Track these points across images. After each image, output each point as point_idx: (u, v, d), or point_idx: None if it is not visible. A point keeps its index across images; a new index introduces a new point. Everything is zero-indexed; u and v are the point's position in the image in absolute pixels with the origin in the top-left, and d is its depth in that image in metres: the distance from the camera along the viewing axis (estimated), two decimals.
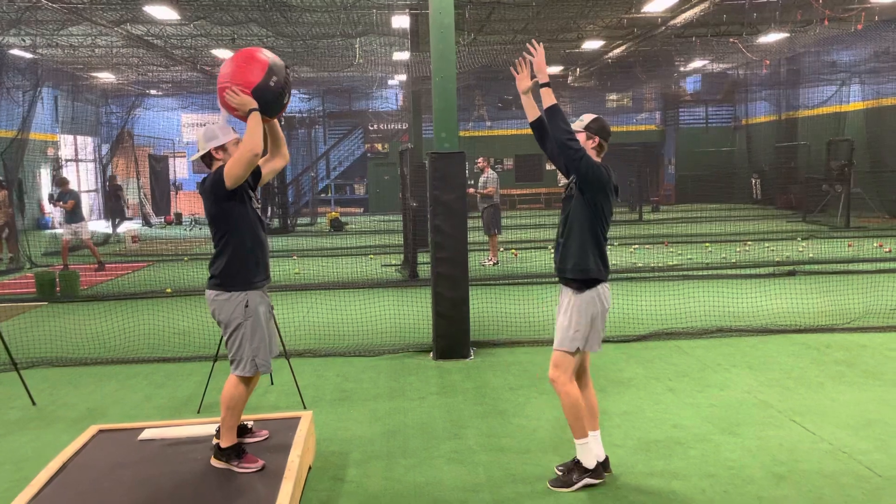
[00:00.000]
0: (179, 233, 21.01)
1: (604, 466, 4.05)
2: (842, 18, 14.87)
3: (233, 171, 3.71)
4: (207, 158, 3.93)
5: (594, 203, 3.83)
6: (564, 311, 3.91)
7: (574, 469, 3.94)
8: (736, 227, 17.26)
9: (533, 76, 3.97)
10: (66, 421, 5.27)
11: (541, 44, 3.92)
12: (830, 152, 18.68)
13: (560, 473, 4.04)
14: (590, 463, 3.92)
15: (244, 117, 3.78)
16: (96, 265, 12.72)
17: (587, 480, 3.90)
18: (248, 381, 3.94)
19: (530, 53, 3.93)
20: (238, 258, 3.86)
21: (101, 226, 21.42)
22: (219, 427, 3.96)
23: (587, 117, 3.98)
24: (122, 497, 3.60)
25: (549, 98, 3.82)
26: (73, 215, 12.53)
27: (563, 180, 4.10)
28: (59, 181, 13.27)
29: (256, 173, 4.00)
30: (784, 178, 22.30)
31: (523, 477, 4.09)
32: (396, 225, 16.81)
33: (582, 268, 3.83)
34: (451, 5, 6.57)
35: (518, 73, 4.02)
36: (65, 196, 12.53)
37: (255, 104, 3.75)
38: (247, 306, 3.86)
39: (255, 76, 3.79)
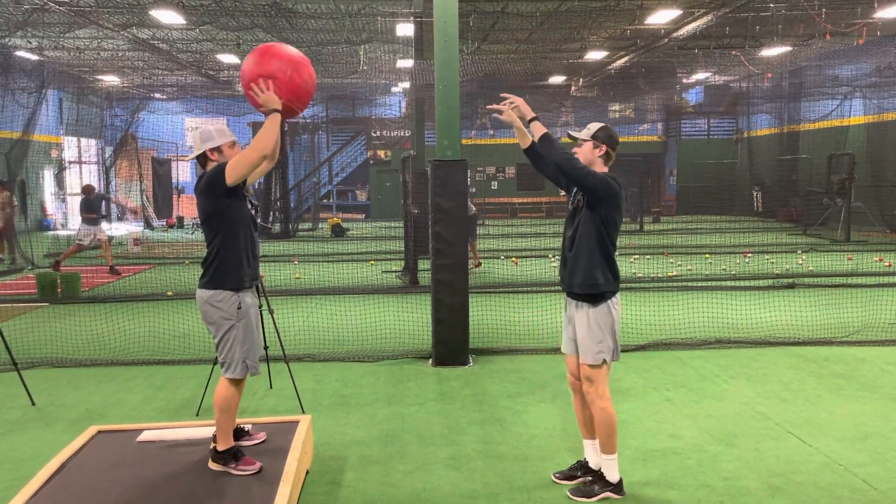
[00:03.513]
0: (181, 236, 21.04)
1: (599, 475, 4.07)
2: (844, 33, 14.94)
3: (236, 169, 3.72)
4: (202, 159, 3.96)
5: (606, 216, 3.80)
6: (587, 326, 3.83)
7: (597, 481, 3.93)
8: (736, 239, 17.28)
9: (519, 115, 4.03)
10: (66, 421, 5.29)
11: (517, 97, 4.02)
12: (831, 166, 18.73)
13: (559, 479, 4.08)
14: (614, 478, 3.90)
15: (267, 113, 3.77)
16: (109, 268, 12.72)
17: (608, 494, 3.88)
18: (238, 384, 3.95)
19: (511, 102, 4.00)
20: (232, 257, 3.88)
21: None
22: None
23: (594, 126, 3.94)
24: (119, 497, 3.61)
25: (539, 129, 3.86)
26: (90, 219, 12.52)
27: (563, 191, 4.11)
28: (84, 188, 13.27)
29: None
30: (785, 191, 22.35)
31: (520, 484, 4.10)
32: (397, 231, 16.84)
33: (591, 282, 3.79)
34: (456, 14, 6.63)
35: (501, 111, 4.02)
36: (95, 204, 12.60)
37: (279, 104, 3.76)
38: (239, 308, 3.87)
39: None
